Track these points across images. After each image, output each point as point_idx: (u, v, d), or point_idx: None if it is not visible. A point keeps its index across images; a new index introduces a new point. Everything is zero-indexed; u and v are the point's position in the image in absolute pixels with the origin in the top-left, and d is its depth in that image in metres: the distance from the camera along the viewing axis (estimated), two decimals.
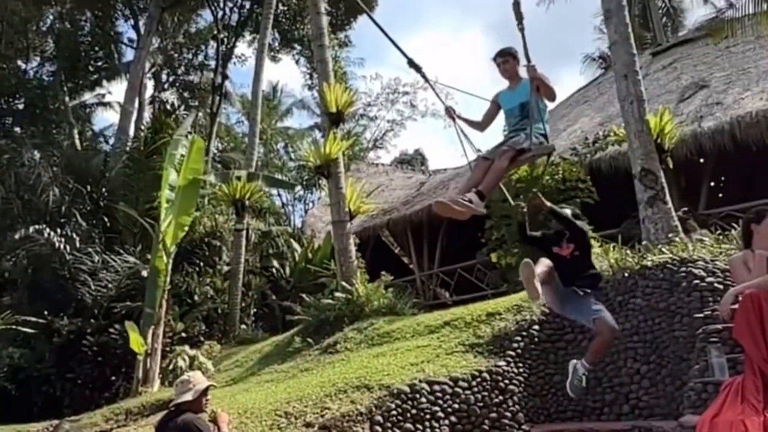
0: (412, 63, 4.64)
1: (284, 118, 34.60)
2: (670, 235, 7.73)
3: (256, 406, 6.59)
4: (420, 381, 5.87)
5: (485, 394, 5.94)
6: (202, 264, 15.47)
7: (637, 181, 8.48)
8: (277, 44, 25.87)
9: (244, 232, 15.77)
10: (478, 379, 6.02)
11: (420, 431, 5.52)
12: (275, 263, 17.38)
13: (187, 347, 11.85)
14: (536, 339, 6.58)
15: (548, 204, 4.55)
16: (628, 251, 7.33)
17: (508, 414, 5.94)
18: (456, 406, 5.79)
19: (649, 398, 5.79)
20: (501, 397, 6.01)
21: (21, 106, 22.07)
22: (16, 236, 14.34)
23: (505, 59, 4.46)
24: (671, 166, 9.42)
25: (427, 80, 4.89)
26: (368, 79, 47.60)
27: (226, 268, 15.86)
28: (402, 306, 10.14)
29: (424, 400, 5.70)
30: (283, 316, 14.49)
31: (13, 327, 11.86)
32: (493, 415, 5.87)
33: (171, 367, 11.21)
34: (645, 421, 5.56)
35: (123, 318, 12.25)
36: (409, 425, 5.52)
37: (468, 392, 5.89)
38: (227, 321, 14.77)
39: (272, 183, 20.72)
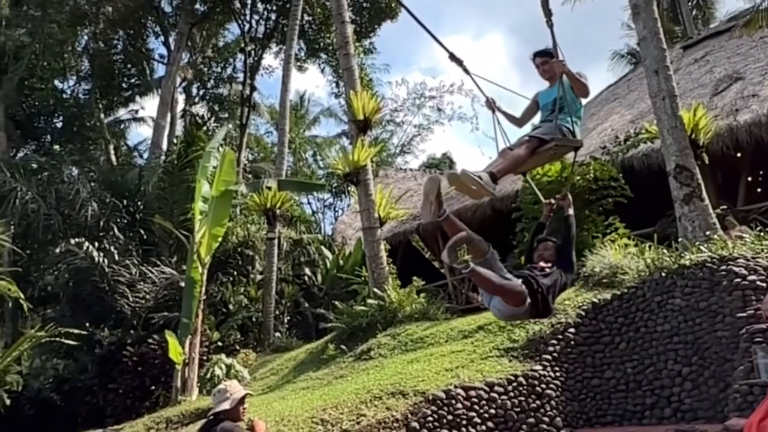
0: (453, 57, 4.60)
1: (312, 127, 34.92)
2: (707, 233, 7.53)
3: (292, 413, 6.65)
4: (455, 387, 5.84)
5: (522, 399, 5.88)
6: (235, 273, 15.71)
7: (672, 179, 8.29)
8: (303, 54, 26.17)
9: (276, 241, 15.94)
10: (514, 384, 5.95)
11: None
12: (307, 271, 17.53)
13: (223, 356, 12.03)
14: (572, 342, 6.48)
15: (570, 211, 4.34)
16: (665, 250, 7.17)
17: (546, 419, 5.86)
18: (492, 411, 5.74)
19: (692, 401, 5.65)
20: (538, 402, 5.94)
21: (59, 124, 22.83)
22: (57, 250, 14.78)
23: (544, 60, 4.36)
24: (707, 161, 9.19)
25: (467, 72, 4.78)
26: (394, 85, 47.79)
27: (259, 277, 16.06)
28: (435, 311, 10.11)
29: (459, 405, 5.67)
30: (317, 324, 14.60)
31: (57, 339, 12.20)
32: (531, 420, 5.80)
33: (208, 375, 11.38)
34: (688, 425, 5.42)
35: (161, 328, 12.51)
36: (445, 431, 5.49)
37: (504, 397, 5.83)
38: (262, 329, 14.94)
39: (303, 187, 20.93)
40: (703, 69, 15.04)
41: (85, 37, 23.42)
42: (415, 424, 5.51)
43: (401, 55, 57.27)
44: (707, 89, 13.45)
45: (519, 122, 4.74)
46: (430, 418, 5.56)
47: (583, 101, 4.49)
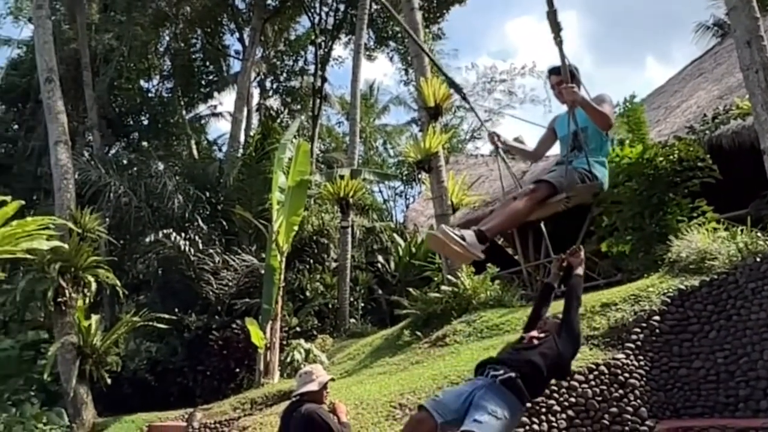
0: (452, 83, 4.23)
1: (382, 116, 35.12)
2: None
3: (371, 397, 6.81)
4: None
5: (603, 388, 5.72)
6: (311, 261, 16.16)
7: (767, 157, 7.74)
8: (372, 43, 26.32)
9: (350, 229, 16.23)
10: (595, 373, 5.80)
11: (536, 425, 5.43)
12: (380, 258, 17.75)
13: (302, 341, 12.46)
14: (657, 330, 6.23)
15: (580, 270, 3.63)
16: (759, 233, 6.73)
17: (630, 409, 5.68)
18: (573, 399, 5.62)
19: None
20: (621, 392, 5.76)
21: (146, 122, 24.22)
22: (147, 241, 15.79)
23: (560, 80, 3.49)
24: None
25: (467, 100, 4.37)
26: (464, 70, 47.13)
27: (334, 265, 16.43)
28: (510, 298, 9.99)
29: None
30: (391, 310, 14.79)
31: (150, 324, 13.05)
32: (613, 409, 5.64)
33: (288, 359, 11.84)
34: None
35: (243, 314, 13.11)
36: (524, 419, 5.44)
37: (585, 386, 5.70)
38: (337, 315, 15.32)
39: (374, 176, 21.16)
40: None
41: (167, 38, 24.62)
42: None
43: (469, 39, 56.33)
44: None
45: (534, 156, 4.22)
46: None
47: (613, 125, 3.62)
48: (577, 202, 3.57)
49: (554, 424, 5.49)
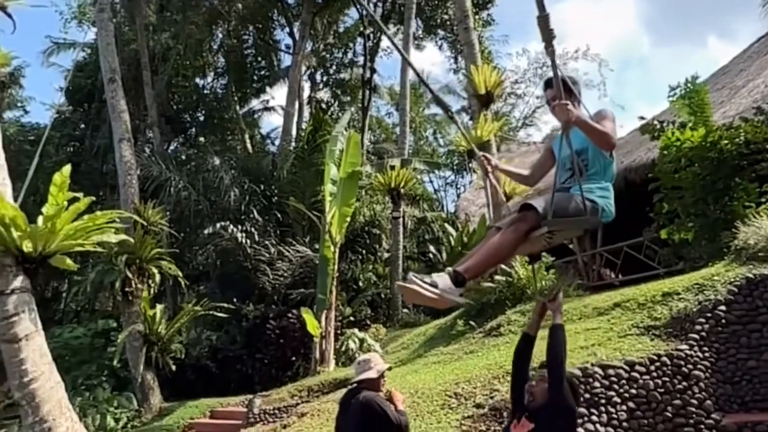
0: (438, 100, 3.84)
1: (431, 105, 34.93)
2: None
3: (426, 386, 6.87)
4: (592, 365, 5.66)
5: (666, 379, 5.56)
6: (364, 252, 16.33)
7: None
8: (420, 32, 26.18)
9: (401, 220, 16.29)
10: (657, 364, 5.64)
11: (595, 416, 5.33)
12: (432, 248, 17.75)
13: (356, 330, 12.64)
14: (723, 321, 5.99)
15: (559, 319, 3.23)
16: None
17: (694, 401, 5.50)
18: (633, 391, 5.49)
19: None
20: (684, 384, 5.58)
21: (201, 118, 24.96)
22: (206, 233, 16.33)
23: (555, 94, 3.06)
24: None
25: (454, 120, 4.00)
26: (514, 56, 46.27)
27: (386, 255, 16.55)
28: (565, 288, 9.82)
29: (597, 384, 5.49)
30: None
31: (210, 313, 13.54)
32: (677, 402, 5.47)
33: (343, 348, 12.04)
34: None
35: (298, 303, 13.42)
36: (582, 409, 5.36)
37: (646, 377, 5.55)
38: (390, 305, 15.43)
39: (425, 166, 21.13)
40: None
41: (220, 35, 25.24)
42: None
43: (519, 24, 55.11)
44: None
45: (529, 179, 3.69)
46: None
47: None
48: (563, 239, 3.07)
49: (614, 416, 5.38)
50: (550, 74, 2.99)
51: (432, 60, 68.25)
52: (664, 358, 5.67)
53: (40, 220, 6.90)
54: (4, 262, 6.78)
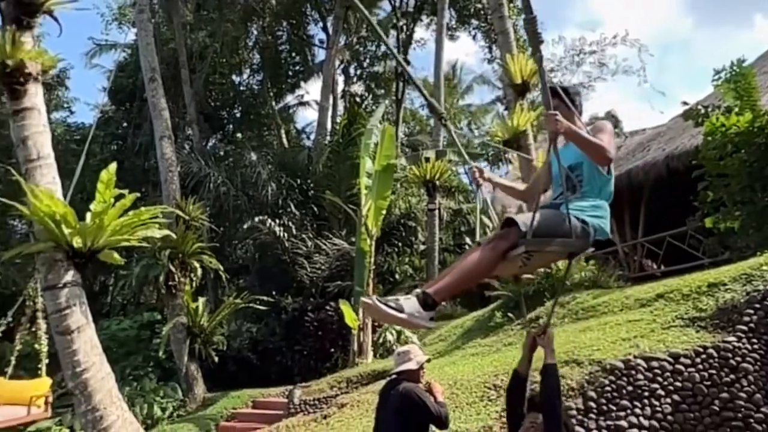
0: (433, 108, 3.56)
1: (465, 96, 34.64)
2: None
3: (464, 378, 6.88)
4: (635, 357, 5.57)
5: (713, 372, 5.42)
6: (400, 244, 16.38)
7: None
8: (454, 22, 25.95)
9: (436, 212, 16.25)
10: (703, 356, 5.50)
11: (639, 408, 5.25)
12: (468, 240, 17.67)
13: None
14: None
15: (551, 359, 3.07)
16: None
17: (743, 395, 5.34)
18: (678, 384, 5.38)
19: None
20: (732, 376, 5.43)
21: (238, 114, 25.38)
22: (245, 227, 16.64)
23: (555, 105, 2.82)
24: None
25: (449, 130, 3.67)
26: (550, 44, 45.21)
27: (422, 248, 16.55)
28: (606, 279, 9.66)
29: (640, 376, 5.40)
30: (481, 292, 14.70)
31: (250, 305, 13.81)
32: (724, 395, 5.33)
33: (381, 340, 12.13)
34: None
35: (336, 296, 13.56)
36: (625, 402, 5.29)
37: (691, 369, 5.43)
38: None
39: (460, 157, 20.99)
40: None
41: (255, 32, 25.54)
42: (593, 394, 5.37)
43: (555, 11, 53.94)
44: None
45: (525, 196, 3.40)
46: (608, 388, 5.38)
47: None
48: (543, 262, 2.80)
49: (658, 409, 5.28)
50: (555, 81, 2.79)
51: (466, 50, 67.71)
52: (711, 350, 5.53)
53: (88, 216, 7.16)
54: (56, 257, 7.07)
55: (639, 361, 5.52)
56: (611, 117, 33.46)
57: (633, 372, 5.45)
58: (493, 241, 2.53)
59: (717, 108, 9.26)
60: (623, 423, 5.16)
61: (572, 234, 2.55)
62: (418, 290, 2.42)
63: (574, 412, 5.26)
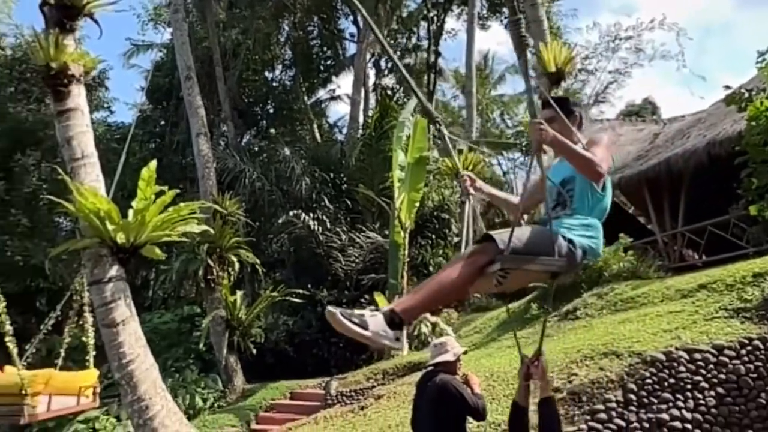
0: (427, 112, 3.29)
1: (497, 86, 34.25)
2: None
3: (501, 370, 6.86)
4: (676, 348, 5.46)
5: (759, 364, 5.28)
6: (433, 236, 16.33)
7: None
8: (485, 11, 25.65)
9: (469, 202, 16.14)
10: (748, 348, 5.37)
11: (681, 401, 5.16)
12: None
13: (428, 314, 12.70)
14: None
15: (548, 392, 2.93)
16: None
17: None
18: (722, 376, 5.26)
19: None
20: None
21: (271, 110, 25.65)
22: (280, 221, 16.85)
23: (552, 116, 2.71)
24: None
25: (441, 133, 3.58)
26: (584, 30, 44.41)
27: (456, 240, 16.48)
28: (645, 269, 9.47)
29: (683, 369, 5.30)
30: None
31: (286, 299, 14.01)
32: None
33: (415, 333, 12.16)
34: None
35: (370, 288, 13.64)
36: (667, 395, 5.20)
37: (736, 362, 5.30)
38: None
39: (493, 147, 20.83)
40: None
41: (286, 28, 25.73)
42: (633, 386, 5.29)
43: None
44: None
45: (516, 207, 3.04)
46: (649, 381, 5.29)
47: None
48: (521, 282, 2.64)
49: (701, 402, 5.18)
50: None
51: (497, 39, 66.78)
52: (756, 342, 5.39)
53: (130, 213, 7.36)
54: (101, 252, 7.29)
55: (681, 353, 5.42)
56: (649, 104, 32.62)
57: (675, 364, 5.35)
58: (471, 257, 2.36)
59: (761, 91, 8.95)
60: (665, 416, 5.07)
61: (555, 253, 2.36)
62: (385, 308, 2.23)
63: (614, 405, 5.20)
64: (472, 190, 3.07)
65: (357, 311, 2.18)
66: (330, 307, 2.16)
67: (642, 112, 31.07)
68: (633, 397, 5.25)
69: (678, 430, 5.01)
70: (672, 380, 5.28)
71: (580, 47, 29.80)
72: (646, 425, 5.03)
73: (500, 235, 2.34)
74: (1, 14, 20.34)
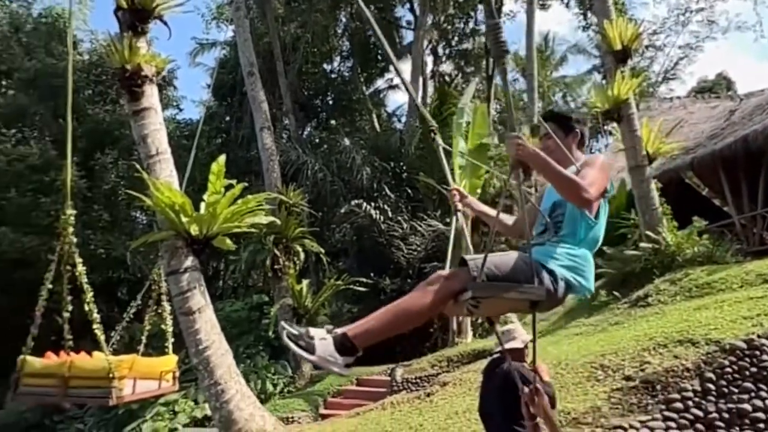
0: (423, 119, 2.97)
1: (559, 67, 33.26)
2: None
3: (569, 357, 6.75)
4: (758, 336, 5.21)
5: None
6: None
7: None
8: None
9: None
10: None
11: (764, 391, 4.92)
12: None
13: None
14: None
15: (550, 412, 2.59)
16: None
17: None
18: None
19: None
20: None
21: (331, 102, 25.99)
22: (342, 211, 17.12)
23: (548, 133, 2.59)
24: None
25: (434, 141, 3.09)
26: (651, 4, 42.39)
27: None
28: (722, 254, 9.04)
29: (766, 357, 5.05)
30: None
31: (350, 287, 14.26)
32: None
33: (479, 321, 12.12)
34: None
35: None
36: (748, 384, 4.97)
37: None
38: None
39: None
40: None
41: (343, 19, 25.93)
42: (711, 375, 5.09)
43: None
44: None
45: (512, 231, 2.89)
46: (728, 369, 5.07)
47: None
48: (495, 311, 2.45)
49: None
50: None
51: (558, 19, 64.81)
52: None
53: (202, 206, 7.72)
54: (177, 244, 7.68)
55: (763, 340, 5.17)
56: (723, 79, 30.76)
57: (757, 352, 5.11)
58: (441, 282, 2.19)
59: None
60: (746, 406, 4.86)
61: (536, 281, 2.16)
62: (336, 330, 2.07)
63: (690, 394, 5.03)
64: (460, 206, 2.85)
65: (310, 331, 2.04)
66: (282, 323, 2.06)
67: (716, 88, 29.40)
68: (711, 386, 5.05)
69: (761, 421, 4.78)
70: (754, 369, 5.05)
71: (648, 22, 28.54)
72: (726, 416, 4.84)
73: (475, 261, 2.16)
74: (78, 21, 21.57)
